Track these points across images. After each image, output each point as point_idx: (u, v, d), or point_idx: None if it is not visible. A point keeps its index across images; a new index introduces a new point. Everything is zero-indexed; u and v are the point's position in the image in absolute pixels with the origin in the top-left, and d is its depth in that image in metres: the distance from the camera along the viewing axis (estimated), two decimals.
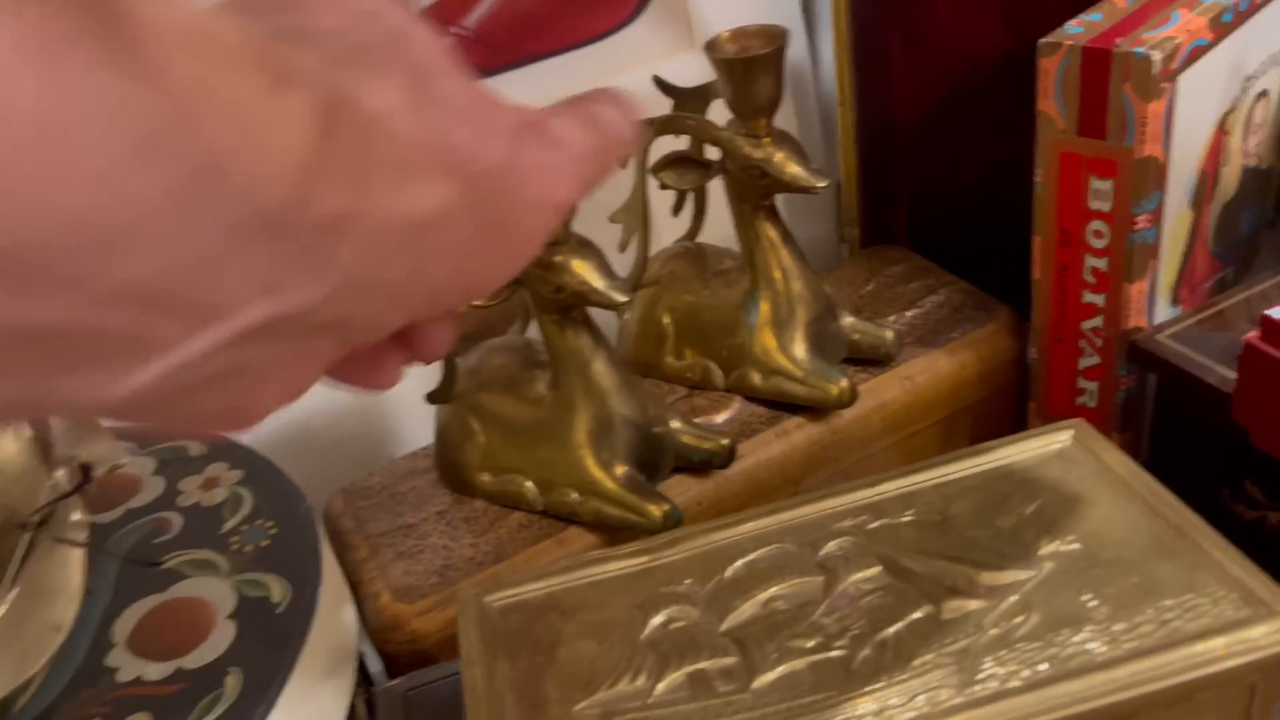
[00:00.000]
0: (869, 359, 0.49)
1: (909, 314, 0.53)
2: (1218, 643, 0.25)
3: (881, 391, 0.48)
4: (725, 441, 0.44)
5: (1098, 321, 0.46)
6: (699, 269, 0.49)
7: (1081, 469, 0.32)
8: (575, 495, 0.42)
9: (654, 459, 0.43)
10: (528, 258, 0.19)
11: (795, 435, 0.46)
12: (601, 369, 0.41)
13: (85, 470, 0.34)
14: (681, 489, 0.44)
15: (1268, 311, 0.34)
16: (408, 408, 0.54)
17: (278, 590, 0.38)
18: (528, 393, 0.43)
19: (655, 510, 0.41)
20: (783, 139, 0.43)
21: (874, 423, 0.48)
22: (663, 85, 0.46)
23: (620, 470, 0.42)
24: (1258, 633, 0.25)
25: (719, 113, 0.44)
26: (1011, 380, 0.52)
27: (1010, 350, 0.51)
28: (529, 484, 0.43)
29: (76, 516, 0.35)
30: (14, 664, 0.29)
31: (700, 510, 0.44)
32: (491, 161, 0.18)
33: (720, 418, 0.47)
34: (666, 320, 0.49)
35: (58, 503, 0.33)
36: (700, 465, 0.44)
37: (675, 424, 0.44)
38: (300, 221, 0.15)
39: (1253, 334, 0.36)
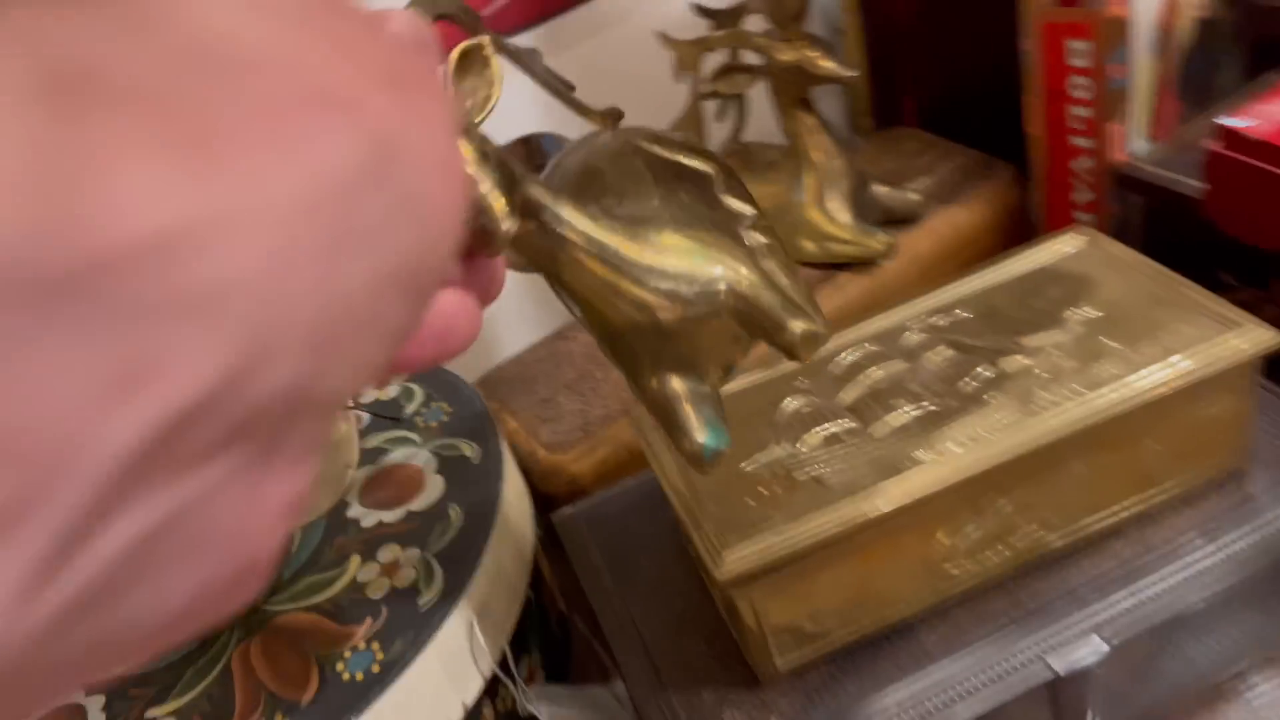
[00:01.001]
0: (900, 219, 0.58)
1: (927, 180, 0.62)
2: (1206, 350, 0.35)
3: (914, 245, 0.57)
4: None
5: (1089, 162, 0.56)
6: (748, 162, 0.58)
7: (1092, 260, 0.42)
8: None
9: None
10: (451, 238, 0.14)
11: (849, 288, 0.56)
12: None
13: None
14: None
15: (1221, 120, 0.43)
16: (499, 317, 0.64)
17: (468, 450, 0.47)
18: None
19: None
20: (814, 40, 0.52)
21: (911, 272, 0.57)
22: (701, 9, 0.55)
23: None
24: (1234, 340, 0.35)
25: (753, 27, 0.53)
26: (1019, 225, 0.61)
27: (1016, 199, 0.60)
28: None
29: None
30: (328, 492, 0.39)
31: None
32: (380, 107, 0.12)
33: None
34: None
35: None
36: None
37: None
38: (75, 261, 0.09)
39: (1213, 142, 0.45)
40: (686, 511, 0.35)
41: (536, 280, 0.25)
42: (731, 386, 0.41)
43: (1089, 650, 0.35)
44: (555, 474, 0.50)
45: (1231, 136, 0.44)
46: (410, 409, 0.51)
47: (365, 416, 0.50)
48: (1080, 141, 0.55)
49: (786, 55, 0.52)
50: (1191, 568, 0.36)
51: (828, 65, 0.51)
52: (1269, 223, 0.44)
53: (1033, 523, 0.36)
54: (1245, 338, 0.35)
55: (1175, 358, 0.35)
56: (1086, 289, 0.40)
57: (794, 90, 0.53)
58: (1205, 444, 0.37)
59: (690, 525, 0.35)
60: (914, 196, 0.58)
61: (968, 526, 0.36)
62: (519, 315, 0.63)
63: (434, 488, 0.46)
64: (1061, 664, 0.35)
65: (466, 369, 0.62)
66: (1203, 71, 0.64)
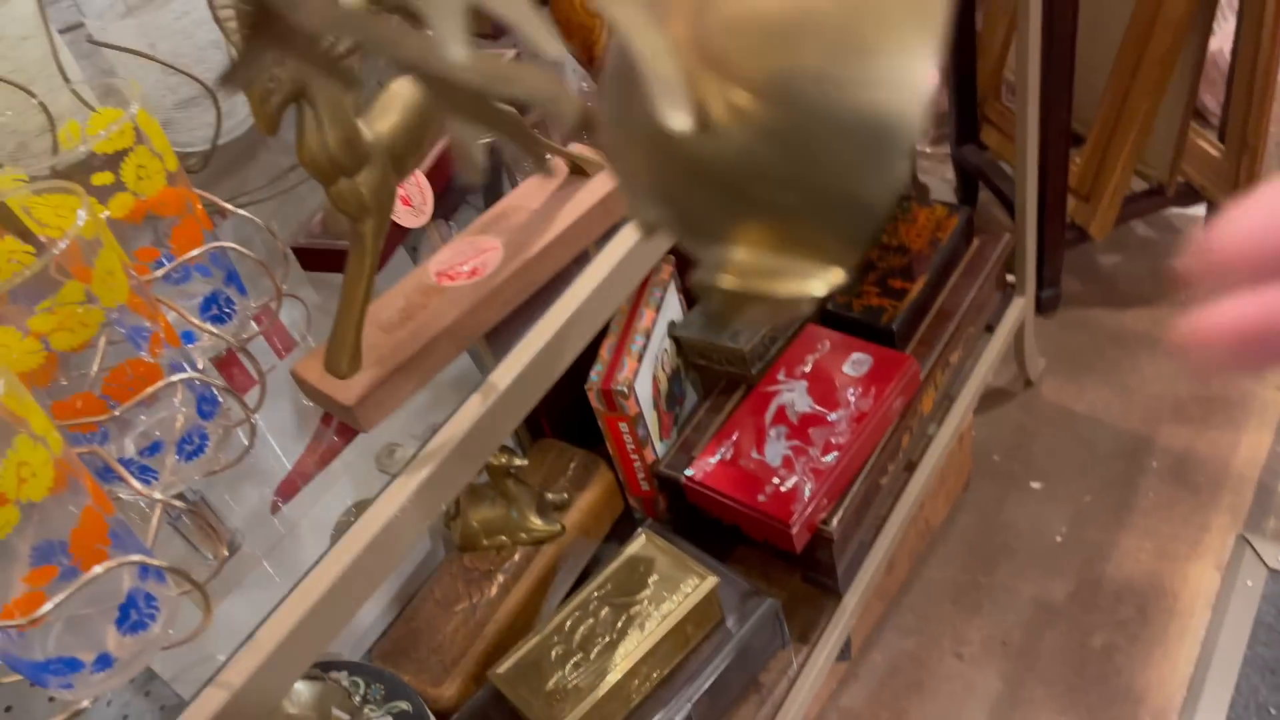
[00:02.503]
0: (562, 506, 1.15)
1: (565, 478, 1.19)
2: (692, 594, 0.95)
3: (568, 519, 1.14)
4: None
5: (639, 463, 1.15)
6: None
7: (651, 548, 1.00)
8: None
9: None
10: None
11: (539, 561, 1.11)
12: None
13: None
14: None
15: (685, 473, 1.04)
16: None
17: None
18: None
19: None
20: None
21: (574, 533, 1.14)
22: None
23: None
24: (702, 585, 0.96)
25: None
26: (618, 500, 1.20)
27: (614, 484, 1.19)
28: None
29: None
30: None
31: None
32: None
33: None
34: None
35: None
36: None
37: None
38: None
39: (683, 478, 1.06)
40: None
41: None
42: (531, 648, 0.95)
43: None
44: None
45: (690, 480, 1.04)
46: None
47: None
48: (634, 457, 1.14)
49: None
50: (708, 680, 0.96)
51: None
52: (721, 514, 1.05)
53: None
54: (705, 583, 0.95)
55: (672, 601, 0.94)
56: (649, 568, 0.99)
57: None
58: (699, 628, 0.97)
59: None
60: (563, 497, 1.14)
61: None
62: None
63: None
64: None
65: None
66: (679, 391, 1.27)
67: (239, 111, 0.68)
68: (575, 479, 1.18)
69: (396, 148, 0.53)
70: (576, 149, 0.65)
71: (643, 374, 1.11)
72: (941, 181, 1.83)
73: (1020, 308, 1.37)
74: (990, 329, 1.35)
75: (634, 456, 1.14)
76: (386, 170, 0.53)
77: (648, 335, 1.14)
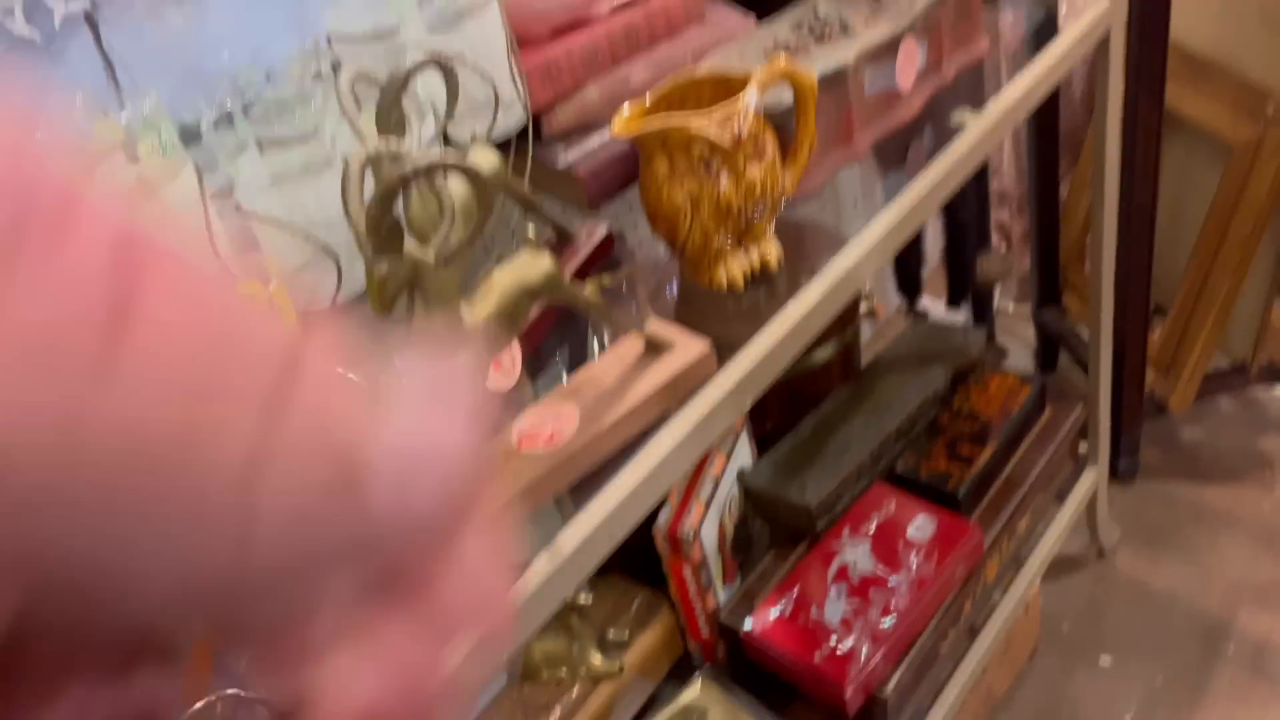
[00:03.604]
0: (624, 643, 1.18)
1: (628, 615, 1.22)
2: None
3: (628, 659, 1.17)
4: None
5: (701, 610, 1.17)
6: None
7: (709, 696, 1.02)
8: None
9: None
10: None
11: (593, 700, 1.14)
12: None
13: None
14: None
15: (744, 624, 1.06)
16: None
17: None
18: None
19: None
20: None
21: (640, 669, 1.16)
22: None
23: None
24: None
25: None
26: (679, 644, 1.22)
27: (675, 628, 1.22)
28: None
29: None
30: None
31: None
32: None
33: None
34: None
35: None
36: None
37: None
38: None
39: (742, 631, 1.07)
40: None
41: None
42: None
43: None
44: None
45: (748, 634, 1.06)
46: None
47: None
48: (696, 602, 1.17)
49: None
50: None
51: None
52: (779, 669, 1.07)
53: None
54: None
55: None
56: (703, 717, 1.00)
57: None
58: None
59: None
60: (624, 635, 1.17)
61: None
62: None
63: None
64: None
65: None
66: (745, 537, 1.30)
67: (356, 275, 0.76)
68: (637, 618, 1.21)
69: (491, 329, 0.60)
70: (652, 327, 0.71)
71: (709, 520, 1.15)
72: (1021, 344, 1.85)
73: (1092, 478, 1.38)
74: (1061, 498, 1.35)
75: (695, 602, 1.16)
76: (482, 350, 0.59)
77: (717, 482, 1.18)
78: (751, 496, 1.24)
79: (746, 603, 1.16)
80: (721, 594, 1.20)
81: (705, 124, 0.69)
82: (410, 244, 0.54)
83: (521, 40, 0.94)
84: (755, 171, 0.73)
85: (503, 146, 0.88)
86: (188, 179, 0.67)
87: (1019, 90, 0.92)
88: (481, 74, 0.80)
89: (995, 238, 1.91)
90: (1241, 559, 1.46)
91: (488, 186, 0.54)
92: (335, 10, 0.84)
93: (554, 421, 0.66)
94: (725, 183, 0.72)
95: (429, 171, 0.52)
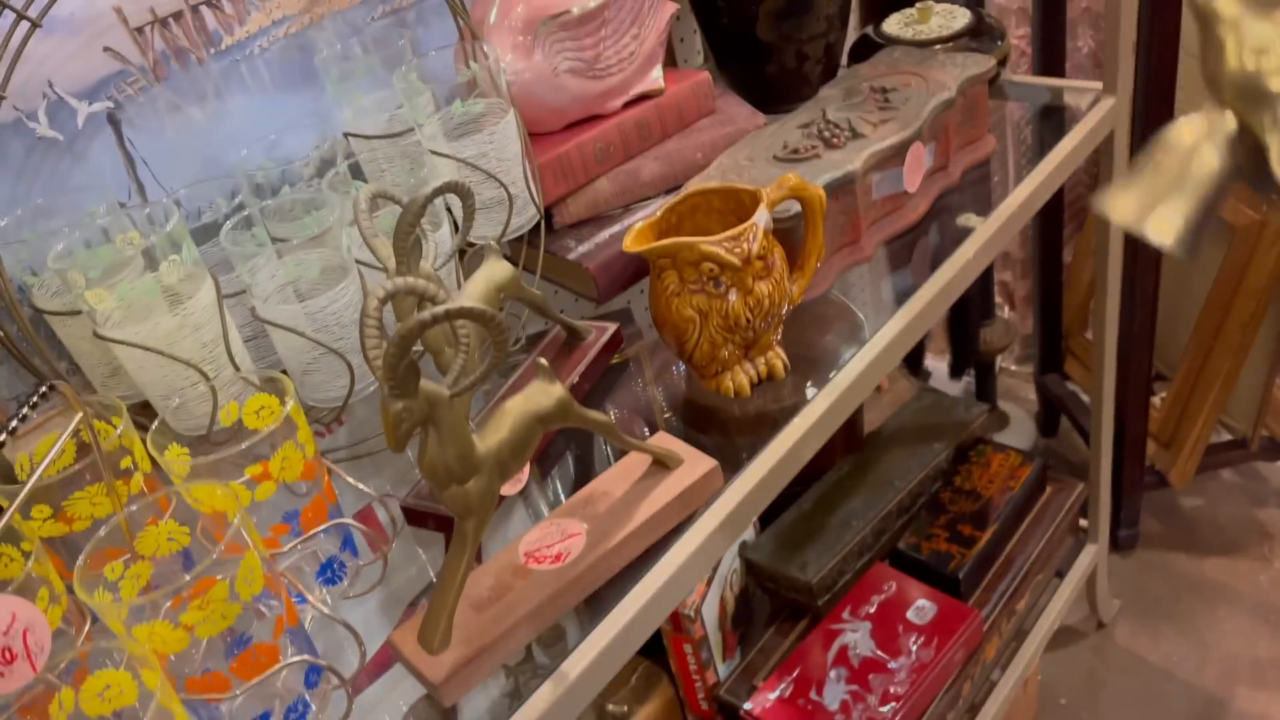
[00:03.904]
0: None
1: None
2: None
3: None
4: None
5: (700, 686, 1.18)
6: None
7: None
8: None
9: None
10: None
11: None
12: None
13: None
14: None
15: (745, 706, 1.07)
16: None
17: None
18: None
19: None
20: None
21: None
22: None
23: None
24: None
25: None
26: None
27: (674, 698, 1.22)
28: None
29: None
30: None
31: None
32: None
33: None
34: None
35: None
36: None
37: None
38: None
39: (743, 711, 1.08)
40: None
41: None
42: None
43: None
44: None
45: (748, 713, 1.07)
46: None
47: None
48: (696, 678, 1.17)
49: None
50: None
51: None
52: None
53: None
54: None
55: None
56: None
57: None
58: None
59: None
60: (623, 709, 1.18)
61: None
62: None
63: None
64: None
65: None
66: (746, 609, 1.30)
67: (367, 376, 0.77)
68: (636, 691, 1.21)
69: (503, 456, 0.61)
70: (659, 443, 0.72)
71: (710, 596, 1.16)
72: (1023, 407, 1.86)
73: (1092, 554, 1.38)
74: (1061, 575, 1.36)
75: (696, 678, 1.17)
76: (493, 477, 0.60)
77: (719, 557, 1.18)
78: (753, 570, 1.24)
79: (746, 679, 1.17)
80: (721, 669, 1.21)
81: (715, 247, 0.71)
82: (425, 382, 0.55)
83: (536, 134, 0.95)
84: (763, 287, 0.74)
85: (516, 239, 0.89)
86: (207, 291, 0.68)
87: (1023, 195, 0.93)
88: (498, 179, 0.82)
89: (998, 297, 1.92)
90: (1240, 634, 1.46)
91: (503, 331, 0.55)
92: (352, 111, 0.85)
93: (561, 539, 0.67)
94: (734, 298, 0.73)
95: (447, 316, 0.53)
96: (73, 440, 0.62)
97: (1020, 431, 1.79)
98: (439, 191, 0.66)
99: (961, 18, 1.13)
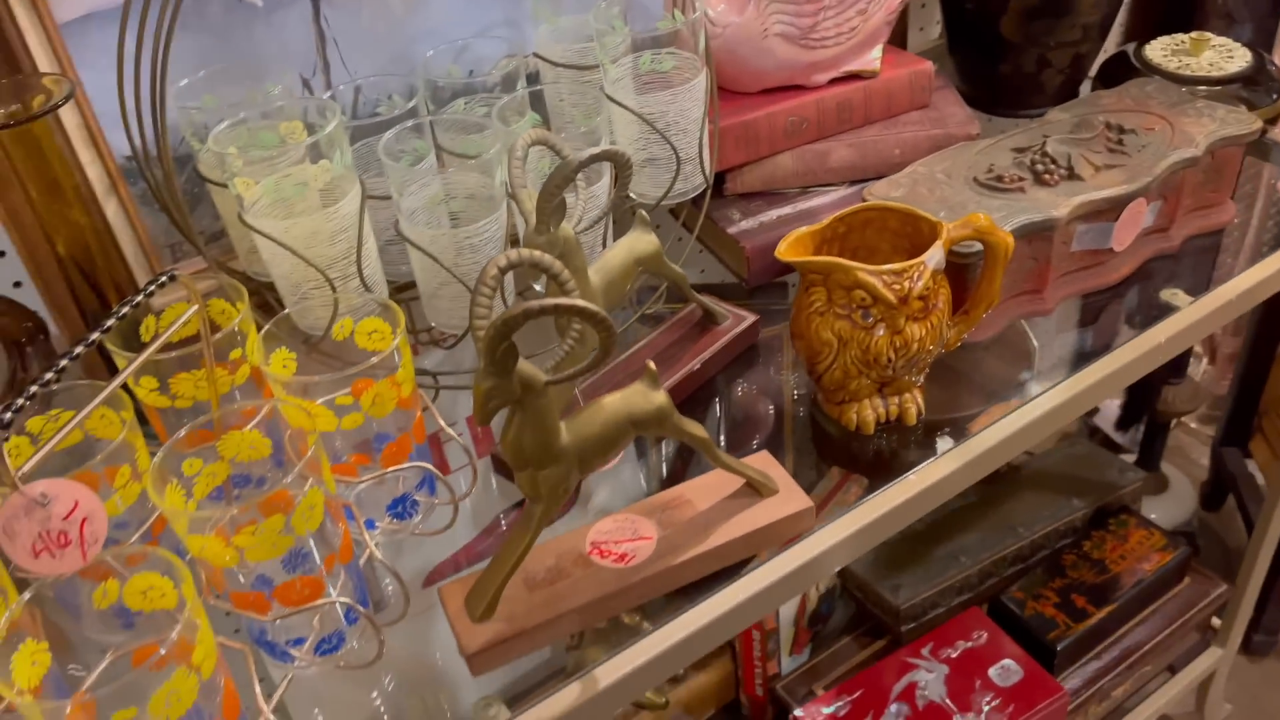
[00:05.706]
0: None
1: None
2: None
3: None
4: None
5: (759, 674, 1.16)
6: None
7: None
8: None
9: None
10: None
11: None
12: None
13: None
14: None
15: (798, 713, 1.04)
16: None
17: None
18: None
19: None
20: None
21: None
22: None
23: None
24: None
25: None
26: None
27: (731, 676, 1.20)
28: None
29: None
30: None
31: None
32: None
33: None
34: None
35: None
36: None
37: None
38: None
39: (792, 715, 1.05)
40: None
41: None
42: None
43: None
44: None
45: (795, 718, 1.04)
46: None
47: None
48: (758, 665, 1.15)
49: None
50: None
51: None
52: None
53: None
54: None
55: None
56: None
57: None
58: None
59: None
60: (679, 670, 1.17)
61: None
62: None
63: None
64: None
65: None
66: (828, 609, 1.26)
67: None
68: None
69: (586, 452, 0.59)
70: (759, 464, 0.68)
71: None
72: (1188, 472, 1.71)
73: (1216, 659, 1.27)
74: (1173, 669, 1.26)
75: (757, 665, 1.15)
76: (570, 469, 0.58)
77: None
78: (844, 573, 1.20)
79: (807, 682, 1.14)
80: (786, 662, 1.18)
81: (873, 278, 0.65)
82: (524, 364, 0.53)
83: (726, 92, 0.90)
84: (915, 329, 0.67)
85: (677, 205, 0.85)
86: (352, 200, 0.68)
87: (1247, 282, 0.82)
88: (670, 142, 0.77)
89: (1198, 347, 1.75)
90: None
91: (611, 332, 0.52)
92: (549, 31, 0.82)
93: (632, 538, 0.65)
94: (880, 334, 0.67)
95: (555, 308, 0.51)
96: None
97: (1178, 498, 1.65)
98: (595, 158, 0.63)
99: (1240, 59, 0.98)
